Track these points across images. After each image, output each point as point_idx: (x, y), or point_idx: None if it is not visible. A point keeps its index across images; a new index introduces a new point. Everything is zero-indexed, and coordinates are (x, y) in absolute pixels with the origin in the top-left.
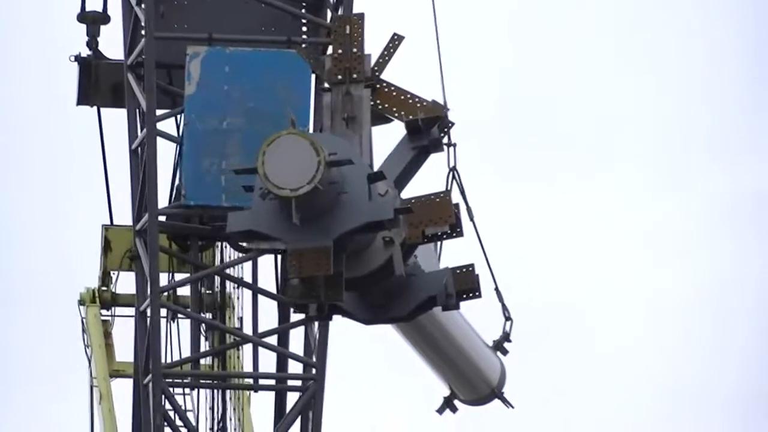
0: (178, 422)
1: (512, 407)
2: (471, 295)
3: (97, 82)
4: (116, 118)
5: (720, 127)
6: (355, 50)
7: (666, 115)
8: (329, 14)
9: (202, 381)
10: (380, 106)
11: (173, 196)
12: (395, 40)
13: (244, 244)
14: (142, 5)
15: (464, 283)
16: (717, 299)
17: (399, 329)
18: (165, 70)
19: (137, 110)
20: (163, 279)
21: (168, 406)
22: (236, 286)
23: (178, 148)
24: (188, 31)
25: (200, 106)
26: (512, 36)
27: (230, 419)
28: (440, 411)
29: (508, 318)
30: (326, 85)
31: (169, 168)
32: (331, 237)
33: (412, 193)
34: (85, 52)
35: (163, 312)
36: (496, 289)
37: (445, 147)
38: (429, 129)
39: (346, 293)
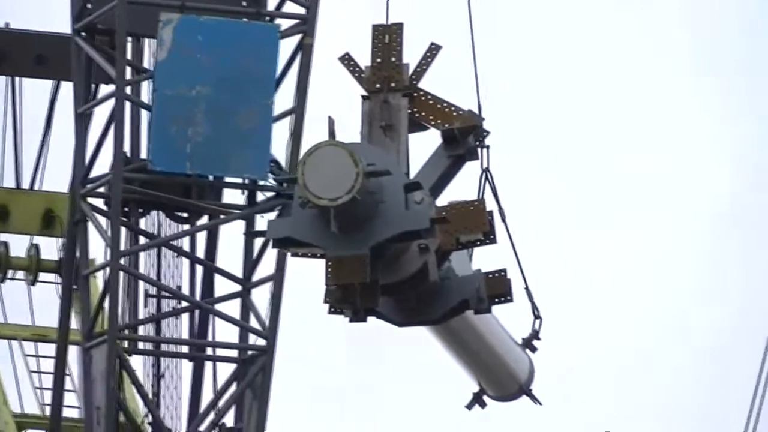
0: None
1: (540, 404)
2: (503, 299)
3: None
4: None
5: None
6: (393, 59)
7: None
8: None
9: (139, 348)
10: (417, 115)
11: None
12: (432, 50)
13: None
14: None
15: (496, 288)
16: None
17: (429, 328)
18: (108, 37)
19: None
20: None
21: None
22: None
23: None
24: None
25: (171, 73)
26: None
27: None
28: (469, 406)
29: (537, 316)
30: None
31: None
32: (368, 245)
33: (447, 197)
34: None
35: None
36: (526, 288)
37: (479, 149)
38: (465, 138)
39: (381, 296)
